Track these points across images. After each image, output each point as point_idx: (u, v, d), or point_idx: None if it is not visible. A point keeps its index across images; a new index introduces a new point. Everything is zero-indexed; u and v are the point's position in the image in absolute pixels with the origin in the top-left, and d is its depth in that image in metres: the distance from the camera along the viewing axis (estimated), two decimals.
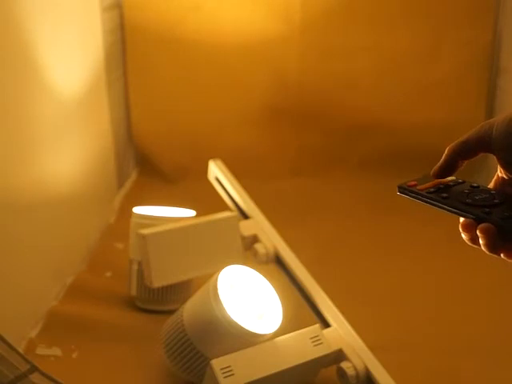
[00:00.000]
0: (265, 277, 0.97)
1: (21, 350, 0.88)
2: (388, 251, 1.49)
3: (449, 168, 0.55)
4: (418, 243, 1.52)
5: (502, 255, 0.49)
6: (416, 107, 1.92)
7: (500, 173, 0.55)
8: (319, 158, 1.97)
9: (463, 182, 0.55)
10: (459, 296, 1.28)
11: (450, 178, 0.56)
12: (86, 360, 1.04)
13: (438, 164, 0.55)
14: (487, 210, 0.49)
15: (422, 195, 0.54)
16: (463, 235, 0.50)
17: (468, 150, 0.53)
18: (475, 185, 0.54)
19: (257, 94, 1.94)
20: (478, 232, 0.48)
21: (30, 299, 1.11)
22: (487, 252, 0.49)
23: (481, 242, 0.48)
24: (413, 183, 0.55)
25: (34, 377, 0.78)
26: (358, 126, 1.94)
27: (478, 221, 0.49)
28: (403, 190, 0.55)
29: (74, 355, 1.05)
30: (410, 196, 0.55)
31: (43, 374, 0.79)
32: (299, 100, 1.93)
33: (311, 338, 0.89)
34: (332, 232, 1.59)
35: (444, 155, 0.55)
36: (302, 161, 1.98)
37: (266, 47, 1.89)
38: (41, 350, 1.05)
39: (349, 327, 0.95)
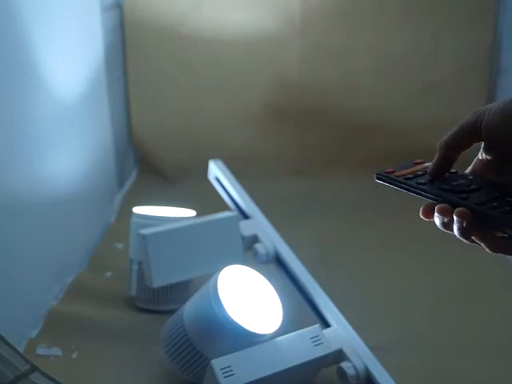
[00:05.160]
0: (265, 277, 0.97)
1: (21, 350, 0.87)
2: (388, 251, 1.49)
3: (445, 164, 0.54)
4: (419, 243, 1.52)
5: (473, 237, 0.49)
6: (416, 107, 1.92)
7: (481, 156, 0.54)
8: (319, 157, 1.97)
9: None
10: (460, 296, 1.28)
11: (427, 164, 0.55)
12: (85, 360, 1.04)
13: (434, 162, 0.54)
14: (464, 195, 0.49)
15: (399, 181, 0.53)
16: (437, 219, 0.50)
17: (461, 140, 0.53)
18: (453, 170, 0.54)
19: (257, 94, 1.94)
20: (454, 216, 0.48)
21: (30, 299, 1.11)
22: (459, 236, 0.49)
23: (455, 225, 0.48)
24: (390, 170, 0.55)
25: (34, 377, 0.78)
26: (358, 125, 1.94)
27: (455, 206, 0.49)
28: (380, 176, 0.55)
29: (74, 355, 1.05)
30: (387, 182, 0.54)
31: (43, 373, 0.79)
32: (299, 100, 1.93)
33: (311, 338, 0.89)
34: (332, 232, 1.59)
35: (438, 152, 0.54)
36: (302, 161, 1.98)
37: (266, 47, 1.89)
38: (41, 350, 1.05)
39: (349, 327, 0.95)
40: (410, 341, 1.11)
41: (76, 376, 0.98)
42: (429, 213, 0.51)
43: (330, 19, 1.87)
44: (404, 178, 0.53)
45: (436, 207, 0.50)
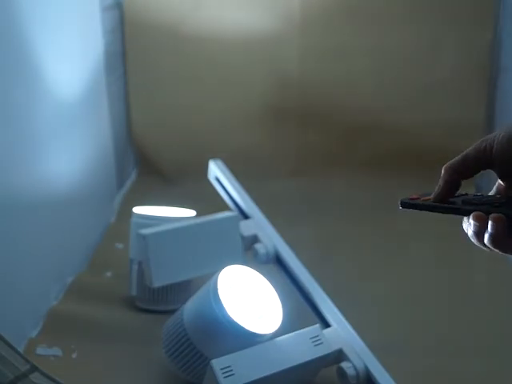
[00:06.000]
0: (265, 277, 0.97)
1: (21, 350, 0.87)
2: (388, 251, 1.49)
3: (451, 189, 0.55)
4: (419, 243, 1.52)
5: (504, 246, 0.49)
6: (416, 107, 1.92)
7: (501, 182, 0.55)
8: (319, 157, 1.97)
9: (466, 194, 0.56)
10: (460, 296, 1.28)
11: None
12: (85, 360, 1.04)
13: (439, 186, 0.55)
14: (497, 204, 0.51)
15: (428, 205, 0.55)
16: (471, 228, 0.51)
17: (468, 168, 0.54)
18: (479, 194, 0.55)
19: (257, 94, 1.94)
20: (489, 221, 0.49)
21: (30, 299, 1.11)
22: (490, 244, 0.49)
23: (488, 232, 0.49)
24: (415, 197, 0.56)
25: (34, 377, 0.78)
26: (358, 125, 1.94)
27: (489, 214, 0.50)
28: (406, 204, 0.56)
29: (74, 355, 1.05)
30: (415, 208, 0.56)
31: (43, 373, 0.79)
32: (299, 100, 1.93)
33: (311, 338, 0.89)
34: (332, 232, 1.59)
35: (443, 176, 0.55)
36: (303, 161, 1.98)
37: (266, 47, 1.89)
38: (41, 350, 1.05)
39: (349, 327, 0.95)
40: (410, 341, 1.11)
41: (76, 376, 0.98)
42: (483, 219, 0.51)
43: (330, 19, 1.87)
44: (432, 201, 0.55)
45: (472, 214, 0.50)
